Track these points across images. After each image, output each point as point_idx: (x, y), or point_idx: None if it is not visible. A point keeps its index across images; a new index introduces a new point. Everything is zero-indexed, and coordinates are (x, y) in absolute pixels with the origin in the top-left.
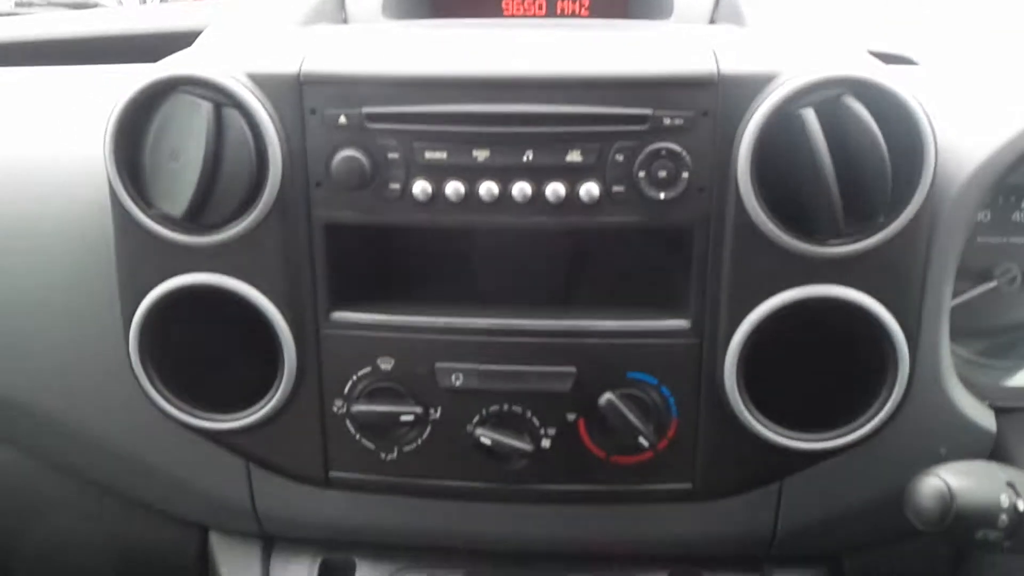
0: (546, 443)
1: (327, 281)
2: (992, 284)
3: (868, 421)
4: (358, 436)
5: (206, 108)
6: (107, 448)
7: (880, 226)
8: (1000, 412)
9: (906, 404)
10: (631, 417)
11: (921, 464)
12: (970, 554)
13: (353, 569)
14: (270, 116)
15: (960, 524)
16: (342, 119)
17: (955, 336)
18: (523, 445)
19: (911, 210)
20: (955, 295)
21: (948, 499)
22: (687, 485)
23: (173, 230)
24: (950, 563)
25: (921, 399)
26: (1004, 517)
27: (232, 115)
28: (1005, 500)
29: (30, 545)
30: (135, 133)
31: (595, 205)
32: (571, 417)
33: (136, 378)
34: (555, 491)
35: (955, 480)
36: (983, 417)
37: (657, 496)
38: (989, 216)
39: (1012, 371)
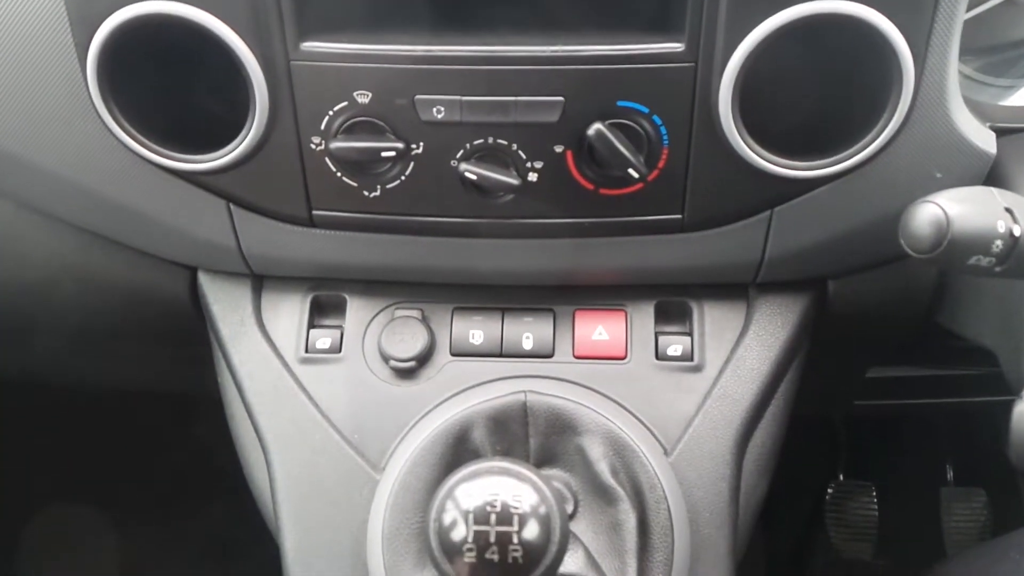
0: (533, 177)
1: (293, 7)
2: None
3: (866, 146)
4: (339, 174)
5: None
6: (84, 191)
7: None
8: (1001, 134)
9: (906, 127)
10: (621, 147)
11: (916, 190)
12: (953, 276)
13: (344, 306)
14: None
15: (954, 251)
16: None
17: (960, 53)
18: (509, 179)
19: None
20: (969, 7)
21: (944, 226)
22: (677, 216)
23: None
24: (934, 282)
25: (922, 121)
26: (999, 243)
27: None
28: (1002, 226)
29: (18, 291)
30: None
31: None
32: (559, 149)
33: (99, 117)
34: (543, 225)
35: (952, 206)
36: (984, 139)
37: (646, 228)
38: None
39: (1013, 89)
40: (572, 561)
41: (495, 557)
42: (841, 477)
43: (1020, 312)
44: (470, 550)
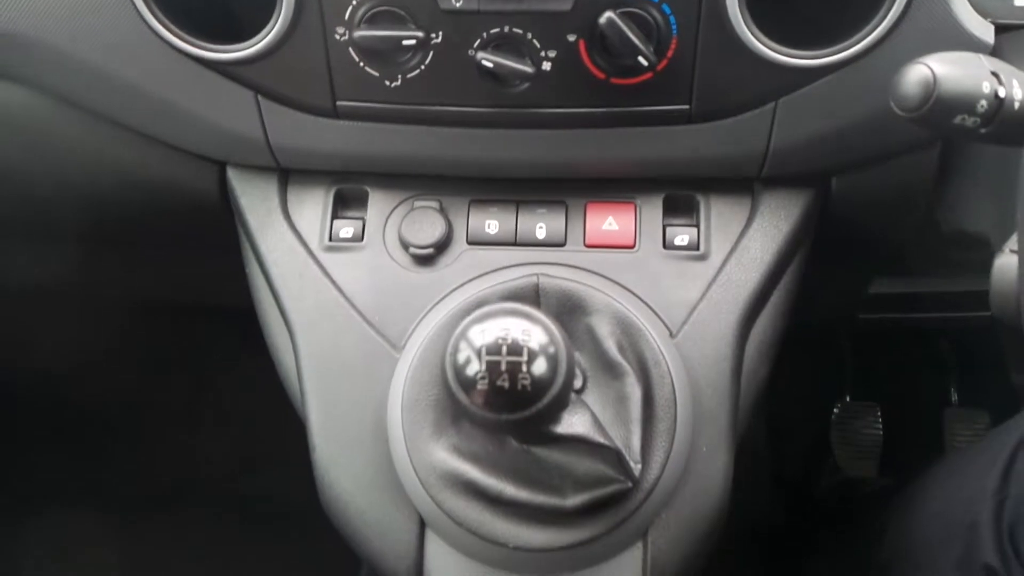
0: (547, 66)
1: None
2: None
3: (867, 35)
4: (362, 64)
5: None
6: (114, 82)
7: None
8: (1000, 29)
9: (906, 16)
10: (631, 35)
11: None
12: (952, 172)
13: (366, 198)
14: None
15: (939, 109)
16: None
17: None
18: (524, 67)
19: None
20: None
21: (931, 85)
22: (685, 107)
23: None
24: (933, 180)
25: (921, 11)
26: (983, 103)
27: None
28: (987, 87)
29: (48, 185)
30: None
31: None
32: (572, 38)
33: (135, 7)
34: (556, 115)
35: (940, 67)
36: (983, 32)
37: (655, 118)
38: None
39: None
40: (580, 423)
41: (505, 384)
42: (848, 399)
43: (1012, 195)
44: (483, 378)
